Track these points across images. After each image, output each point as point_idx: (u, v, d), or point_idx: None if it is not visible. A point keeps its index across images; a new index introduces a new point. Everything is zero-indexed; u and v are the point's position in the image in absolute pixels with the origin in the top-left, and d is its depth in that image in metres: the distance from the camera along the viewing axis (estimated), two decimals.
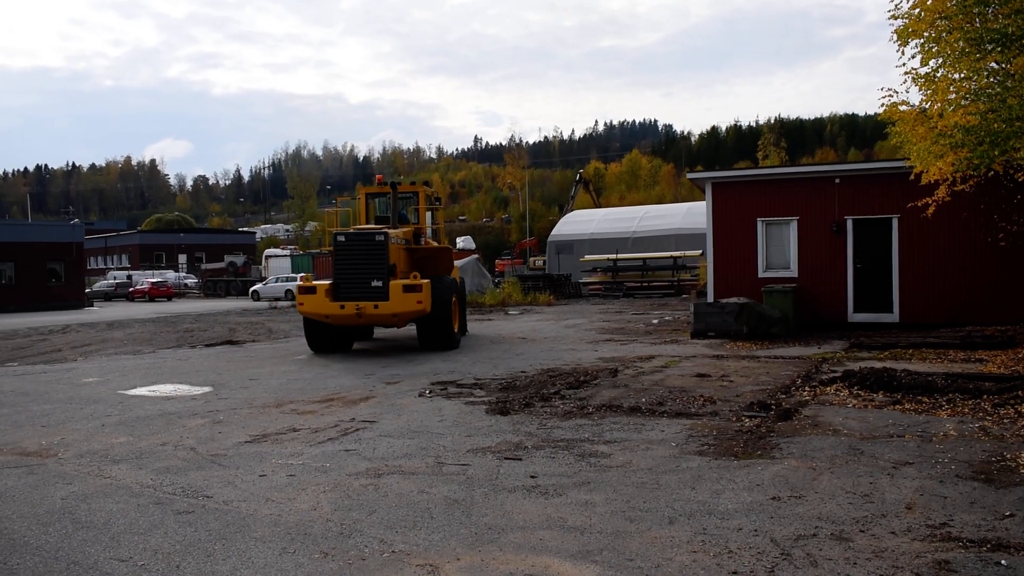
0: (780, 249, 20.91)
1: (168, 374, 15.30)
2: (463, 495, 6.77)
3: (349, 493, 6.91)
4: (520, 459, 7.90)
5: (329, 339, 18.62)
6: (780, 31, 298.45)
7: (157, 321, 32.07)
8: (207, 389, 13.13)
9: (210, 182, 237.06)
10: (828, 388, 11.32)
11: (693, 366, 14.18)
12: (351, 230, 18.30)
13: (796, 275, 20.53)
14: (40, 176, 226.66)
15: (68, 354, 20.21)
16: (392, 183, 21.25)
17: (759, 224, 20.97)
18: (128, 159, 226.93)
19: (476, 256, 44.05)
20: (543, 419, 9.77)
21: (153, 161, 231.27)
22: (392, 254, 17.77)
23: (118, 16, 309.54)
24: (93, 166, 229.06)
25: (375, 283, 17.28)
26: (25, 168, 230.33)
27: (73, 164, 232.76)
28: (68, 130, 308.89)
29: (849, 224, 20.07)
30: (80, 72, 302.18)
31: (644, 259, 42.73)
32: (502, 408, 10.39)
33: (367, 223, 20.59)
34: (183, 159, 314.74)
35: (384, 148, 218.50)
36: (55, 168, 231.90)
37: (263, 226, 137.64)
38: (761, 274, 20.92)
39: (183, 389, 13.25)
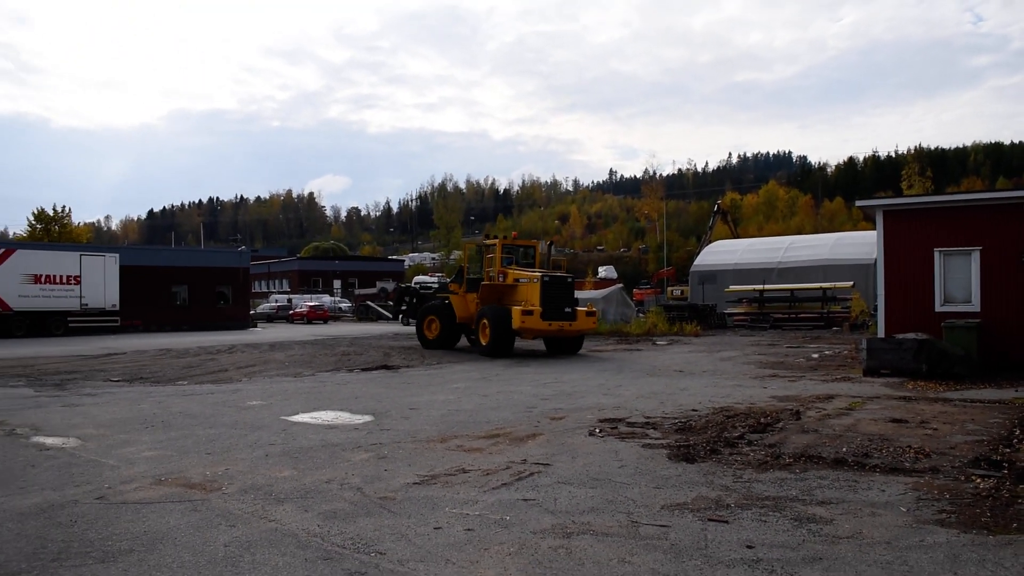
0: (960, 282, 18.74)
1: (328, 400, 14.67)
2: (673, 569, 5.53)
3: (539, 558, 5.77)
4: (727, 521, 6.59)
5: (510, 346, 24.71)
6: (920, 61, 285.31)
7: (315, 343, 32.14)
8: (368, 418, 12.35)
9: (362, 213, 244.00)
10: None
11: (882, 409, 12.46)
12: (553, 273, 25.19)
13: (978, 310, 18.31)
14: (212, 207, 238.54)
15: (234, 374, 20.05)
16: (550, 243, 30.15)
17: (936, 255, 18.88)
18: (289, 192, 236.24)
19: (620, 285, 42.70)
20: (736, 469, 8.41)
21: (311, 194, 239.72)
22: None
23: (285, 63, 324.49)
24: (259, 198, 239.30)
25: (567, 309, 24.49)
26: (199, 200, 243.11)
27: (241, 196, 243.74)
28: (238, 166, 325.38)
29: None
30: (251, 114, 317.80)
31: (792, 290, 40.33)
32: (686, 454, 9.09)
33: (500, 267, 25.95)
34: (340, 193, 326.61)
35: (524, 181, 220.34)
36: (225, 200, 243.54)
37: (410, 254, 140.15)
38: (938, 308, 18.79)
39: (344, 417, 12.52)
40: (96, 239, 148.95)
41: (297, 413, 12.92)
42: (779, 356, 23.32)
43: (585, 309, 25.21)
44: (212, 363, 23.57)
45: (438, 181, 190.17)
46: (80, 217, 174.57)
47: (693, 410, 12.66)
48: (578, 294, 41.56)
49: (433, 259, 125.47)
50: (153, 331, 45.35)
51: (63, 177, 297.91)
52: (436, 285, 33.31)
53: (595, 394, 15.06)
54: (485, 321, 24.76)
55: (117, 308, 42.83)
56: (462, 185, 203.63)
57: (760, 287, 41.12)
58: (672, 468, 8.52)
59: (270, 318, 62.98)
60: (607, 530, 6.40)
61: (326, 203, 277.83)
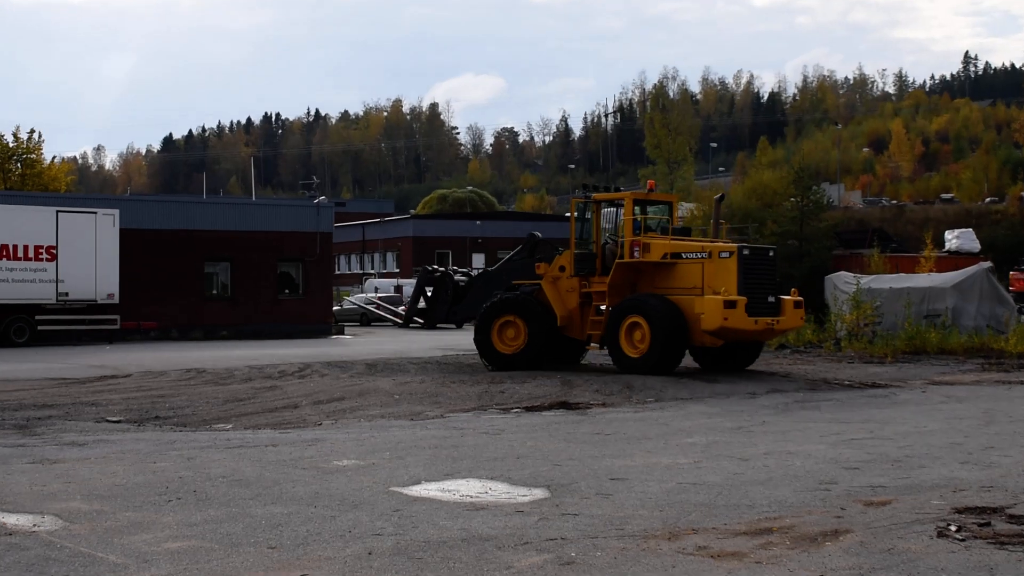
0: None
1: (470, 460, 14.94)
2: None
3: None
4: None
5: (679, 358, 28.37)
6: None
7: (443, 364, 32.79)
8: (539, 493, 12.47)
9: (520, 139, 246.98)
10: None
11: None
12: (752, 245, 29.47)
13: None
14: (269, 131, 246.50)
15: (309, 414, 20.68)
16: (721, 196, 36.62)
17: None
18: (397, 105, 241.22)
19: (987, 265, 41.25)
20: None
21: (434, 107, 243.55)
22: None
23: None
24: (345, 116, 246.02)
25: (771, 299, 27.84)
26: (248, 119, 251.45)
27: (316, 113, 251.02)
28: (313, 62, 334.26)
29: None
30: None
31: None
32: None
33: (634, 233, 29.29)
34: (484, 104, 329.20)
35: (805, 78, 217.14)
36: (291, 119, 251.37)
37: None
38: None
39: (498, 490, 12.70)
40: (81, 184, 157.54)
41: (418, 482, 13.19)
42: None
43: (791, 298, 28.80)
44: (273, 394, 24.37)
45: (652, 81, 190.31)
46: (57, 148, 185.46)
47: None
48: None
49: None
50: (174, 339, 47.45)
51: (29, 84, 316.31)
52: (464, 278, 35.33)
53: (944, 460, 14.83)
54: (639, 319, 27.67)
55: (116, 300, 44.69)
56: (695, 88, 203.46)
57: None
58: None
59: (366, 318, 64.13)
60: None
61: (459, 123, 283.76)
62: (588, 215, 31.01)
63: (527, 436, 17.35)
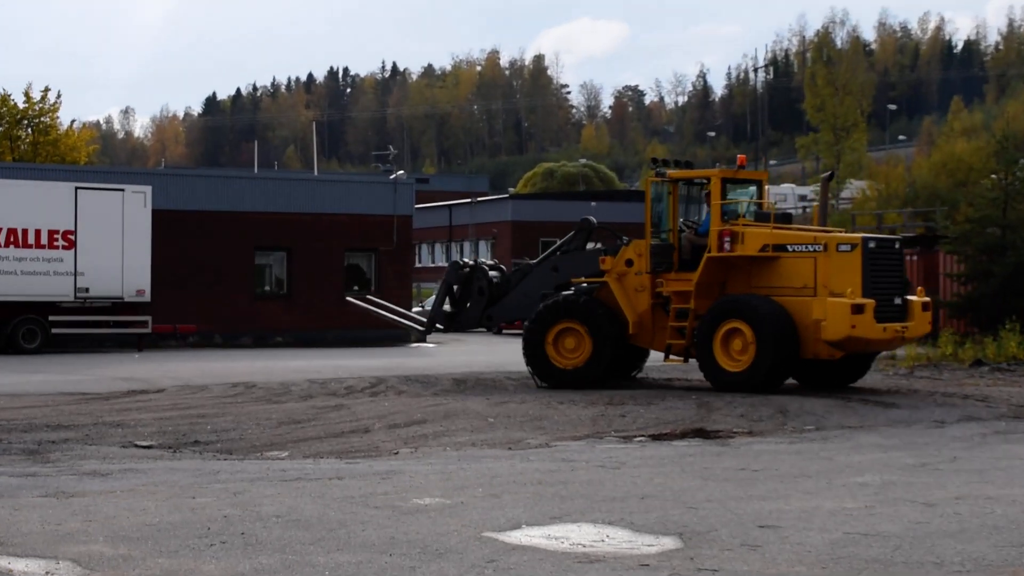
0: None
1: (583, 499, 14.95)
2: None
3: None
4: None
5: (789, 371, 29.79)
6: None
7: None
8: (669, 542, 12.43)
9: (646, 100, 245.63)
10: None
11: None
12: (877, 236, 30.71)
13: None
14: (336, 89, 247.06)
15: (383, 440, 20.78)
16: (830, 174, 38.47)
17: None
18: (493, 57, 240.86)
19: None
20: None
21: (539, 61, 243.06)
22: None
23: None
24: (429, 70, 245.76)
25: (897, 301, 29.30)
26: (309, 75, 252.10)
27: (392, 67, 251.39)
28: (388, 6, 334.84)
29: None
30: None
31: None
32: None
33: (721, 221, 29.87)
34: (601, 58, 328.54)
35: (1011, 21, 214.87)
36: (362, 75, 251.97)
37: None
38: None
39: (618, 538, 12.68)
40: (106, 155, 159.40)
41: (518, 526, 13.22)
42: None
43: (918, 299, 30.47)
44: (338, 415, 24.50)
45: (814, 28, 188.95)
46: (76, 111, 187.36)
47: None
48: None
49: (802, 196, 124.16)
50: (218, 346, 47.88)
51: (42, 32, 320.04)
52: (498, 274, 35.65)
53: None
54: (740, 325, 28.60)
55: (147, 298, 44.98)
56: (868, 36, 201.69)
57: None
58: None
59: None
60: None
61: (570, 80, 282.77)
62: (664, 197, 31.50)
63: (654, 471, 17.33)
